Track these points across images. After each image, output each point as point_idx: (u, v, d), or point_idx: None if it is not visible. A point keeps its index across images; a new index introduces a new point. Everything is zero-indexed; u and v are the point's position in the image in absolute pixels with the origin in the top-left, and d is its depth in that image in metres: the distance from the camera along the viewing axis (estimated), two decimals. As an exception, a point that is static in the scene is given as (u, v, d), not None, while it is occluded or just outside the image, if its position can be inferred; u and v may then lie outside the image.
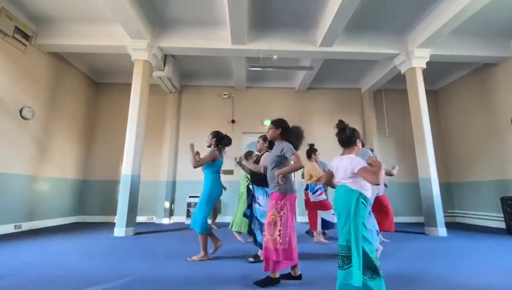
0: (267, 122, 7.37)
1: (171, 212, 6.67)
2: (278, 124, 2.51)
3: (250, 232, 3.41)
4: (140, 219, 6.18)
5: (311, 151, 4.27)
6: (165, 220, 6.47)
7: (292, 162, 2.29)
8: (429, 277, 2.45)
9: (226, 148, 3.28)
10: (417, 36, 5.27)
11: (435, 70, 6.55)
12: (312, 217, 4.09)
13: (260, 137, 3.18)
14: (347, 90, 7.73)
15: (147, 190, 6.45)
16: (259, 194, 2.94)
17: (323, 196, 4.09)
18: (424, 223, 5.08)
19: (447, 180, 6.96)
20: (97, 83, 7.29)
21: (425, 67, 5.52)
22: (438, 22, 4.70)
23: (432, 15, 4.84)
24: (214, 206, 3.16)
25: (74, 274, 2.43)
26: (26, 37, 4.93)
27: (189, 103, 7.40)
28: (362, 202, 1.78)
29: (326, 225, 3.98)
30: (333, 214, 3.87)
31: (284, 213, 2.20)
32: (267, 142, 3.15)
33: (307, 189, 4.19)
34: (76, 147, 6.51)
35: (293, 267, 2.28)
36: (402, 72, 5.80)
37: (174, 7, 4.84)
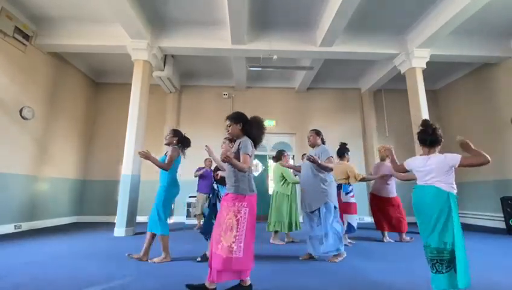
0: (268, 122, 7.38)
1: (170, 212, 6.67)
2: (237, 118, 2.25)
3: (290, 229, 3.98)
4: (140, 218, 6.16)
5: (344, 151, 4.09)
6: (165, 220, 6.46)
7: (241, 160, 2.05)
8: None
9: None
10: (417, 36, 5.27)
11: (435, 70, 6.55)
12: (341, 218, 3.90)
13: (225, 139, 2.90)
14: (347, 90, 7.73)
15: (147, 190, 6.44)
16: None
17: (354, 198, 3.91)
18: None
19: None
20: (97, 83, 7.29)
21: (425, 67, 5.52)
22: (438, 22, 4.70)
23: (432, 15, 4.84)
24: (171, 206, 3.07)
25: (74, 274, 2.43)
26: (26, 37, 4.94)
27: (189, 103, 7.40)
28: (455, 203, 1.78)
29: (349, 229, 3.82)
30: (356, 219, 3.84)
31: (241, 216, 1.95)
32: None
33: (339, 189, 3.89)
34: (76, 147, 6.51)
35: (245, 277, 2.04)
36: (402, 72, 5.80)
37: (174, 7, 4.84)
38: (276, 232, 4.05)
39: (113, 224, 4.86)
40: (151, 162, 2.83)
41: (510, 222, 4.96)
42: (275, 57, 5.39)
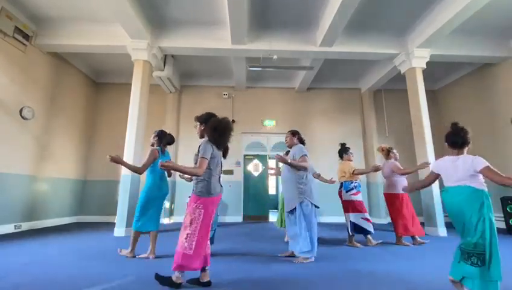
0: (268, 122, 7.38)
1: (171, 212, 6.67)
2: (202, 120, 2.31)
3: None
4: (140, 219, 6.17)
5: (343, 151, 4.13)
6: (165, 220, 6.47)
7: (197, 163, 2.08)
8: (429, 276, 2.45)
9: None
10: (417, 36, 5.27)
11: (435, 70, 6.56)
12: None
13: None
14: (347, 90, 7.73)
15: (147, 190, 6.44)
16: None
17: (358, 196, 3.85)
18: (424, 223, 5.08)
19: (447, 180, 6.95)
20: (97, 83, 7.29)
21: (425, 67, 5.52)
22: (438, 22, 4.70)
23: (432, 15, 4.84)
24: (156, 207, 3.08)
25: (74, 274, 2.43)
26: (26, 37, 4.94)
27: (189, 103, 7.40)
28: (489, 200, 1.85)
29: (360, 229, 3.72)
30: (362, 218, 3.73)
31: (195, 217, 2.06)
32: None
33: (340, 187, 4.01)
34: (76, 147, 6.51)
35: (202, 272, 2.16)
36: (402, 72, 5.80)
37: (174, 7, 4.84)
38: None
39: (113, 224, 4.86)
40: (124, 166, 2.91)
41: (510, 222, 4.96)
42: (275, 57, 5.39)
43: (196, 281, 2.16)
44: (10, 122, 4.73)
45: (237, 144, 7.13)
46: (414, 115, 5.51)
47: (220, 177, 2.32)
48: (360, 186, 3.97)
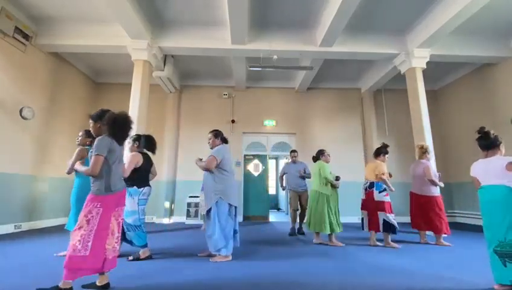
0: (268, 122, 7.38)
1: (171, 212, 6.67)
2: (96, 117, 2.27)
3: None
4: (140, 219, 6.16)
5: (379, 151, 4.06)
6: (165, 220, 6.47)
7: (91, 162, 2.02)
8: (429, 276, 2.45)
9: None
10: (417, 36, 5.27)
11: (435, 70, 6.55)
12: (373, 216, 3.84)
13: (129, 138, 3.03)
14: (347, 90, 7.73)
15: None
16: None
17: (388, 197, 3.82)
18: (424, 223, 5.07)
19: (447, 180, 6.94)
20: (97, 82, 7.29)
21: (425, 67, 5.52)
22: (438, 22, 4.70)
23: (432, 15, 4.83)
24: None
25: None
26: (26, 37, 4.93)
27: (189, 103, 7.40)
28: None
29: (392, 228, 3.71)
30: (393, 218, 3.72)
31: (91, 217, 1.94)
32: (136, 142, 3.21)
33: (371, 187, 3.90)
34: (76, 147, 6.48)
35: (100, 275, 2.06)
36: (402, 72, 5.80)
37: (174, 7, 4.84)
38: (317, 233, 3.97)
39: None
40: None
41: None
42: (275, 57, 5.39)
43: (93, 285, 2.05)
44: (10, 122, 4.72)
45: (237, 144, 7.13)
46: (414, 115, 5.51)
47: (121, 173, 2.21)
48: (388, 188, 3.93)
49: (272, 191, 9.77)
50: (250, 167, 7.39)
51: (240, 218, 6.85)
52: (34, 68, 5.24)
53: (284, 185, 5.25)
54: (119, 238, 2.16)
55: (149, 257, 2.96)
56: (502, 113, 5.77)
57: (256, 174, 7.36)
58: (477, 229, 5.36)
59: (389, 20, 5.12)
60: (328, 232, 3.75)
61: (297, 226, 4.85)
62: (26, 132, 5.07)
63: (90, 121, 2.27)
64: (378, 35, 5.47)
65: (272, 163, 10.30)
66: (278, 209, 10.14)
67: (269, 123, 7.39)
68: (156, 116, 6.99)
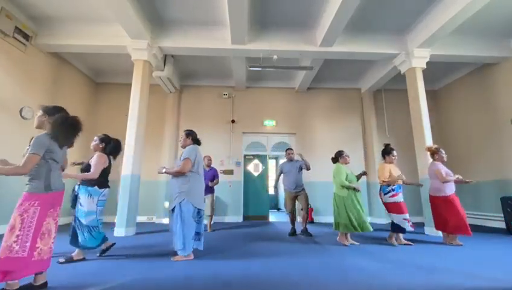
0: (268, 122, 7.38)
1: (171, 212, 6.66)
2: (49, 110, 2.24)
3: None
4: (140, 218, 6.18)
5: (384, 152, 4.09)
6: (165, 220, 6.47)
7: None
8: (429, 276, 2.45)
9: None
10: (417, 36, 5.27)
11: (435, 71, 6.56)
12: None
13: (97, 137, 3.28)
14: (347, 90, 7.73)
15: (147, 190, 6.45)
16: (82, 194, 2.93)
17: (397, 198, 3.86)
18: (424, 223, 5.08)
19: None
20: (97, 83, 7.29)
21: (425, 67, 5.52)
22: (438, 22, 4.70)
23: (432, 15, 4.84)
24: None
25: (74, 274, 2.43)
26: (26, 37, 4.94)
27: (189, 103, 7.40)
28: None
29: (399, 228, 3.80)
30: (404, 219, 3.77)
31: (27, 216, 1.89)
32: (103, 143, 3.22)
33: (380, 190, 4.04)
34: (76, 147, 6.49)
35: (37, 275, 2.01)
36: (402, 72, 5.80)
37: (174, 7, 4.84)
38: (345, 234, 3.93)
39: (113, 224, 4.86)
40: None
41: (511, 223, 4.95)
42: (275, 57, 5.39)
43: (29, 286, 1.98)
44: (10, 122, 4.73)
45: (237, 144, 7.14)
46: (414, 115, 5.51)
47: (61, 172, 2.18)
48: (399, 187, 3.94)
49: (271, 191, 9.76)
50: (250, 167, 7.39)
51: (240, 218, 6.86)
52: (34, 68, 5.24)
53: (276, 185, 5.21)
54: (55, 238, 2.14)
55: (82, 259, 2.93)
56: (502, 113, 5.77)
57: (256, 174, 7.37)
58: (478, 229, 5.36)
59: (389, 20, 5.12)
60: (352, 231, 3.76)
61: (301, 227, 4.74)
62: (26, 132, 5.06)
63: (40, 110, 2.20)
64: (378, 35, 5.47)
65: (271, 163, 10.31)
66: (278, 209, 10.14)
67: (269, 123, 7.39)
68: (156, 116, 6.99)
